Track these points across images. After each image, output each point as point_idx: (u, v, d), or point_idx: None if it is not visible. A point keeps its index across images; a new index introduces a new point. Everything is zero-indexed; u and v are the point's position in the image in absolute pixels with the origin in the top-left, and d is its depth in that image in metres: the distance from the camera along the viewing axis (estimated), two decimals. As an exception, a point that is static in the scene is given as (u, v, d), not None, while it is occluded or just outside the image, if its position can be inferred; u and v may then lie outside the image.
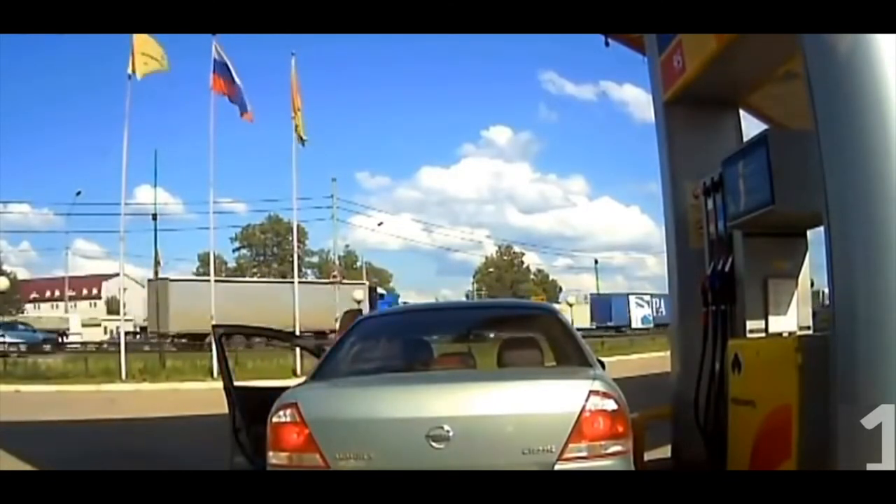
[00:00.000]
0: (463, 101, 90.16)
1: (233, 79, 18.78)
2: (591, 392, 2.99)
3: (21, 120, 71.09)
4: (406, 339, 4.31)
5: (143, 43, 17.37)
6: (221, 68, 18.63)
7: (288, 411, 3.06)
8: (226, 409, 4.20)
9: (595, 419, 2.96)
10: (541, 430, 2.97)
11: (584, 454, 2.93)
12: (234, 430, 4.08)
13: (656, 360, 14.61)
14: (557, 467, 2.91)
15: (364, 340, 4.23)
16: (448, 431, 2.91)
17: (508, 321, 4.81)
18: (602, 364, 3.87)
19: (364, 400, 3.23)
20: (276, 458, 3.06)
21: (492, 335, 4.72)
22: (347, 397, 3.31)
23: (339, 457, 2.98)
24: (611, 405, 2.99)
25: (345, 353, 3.98)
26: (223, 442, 4.21)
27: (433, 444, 2.91)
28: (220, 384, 4.33)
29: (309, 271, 62.79)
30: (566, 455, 2.92)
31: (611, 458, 2.95)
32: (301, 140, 20.86)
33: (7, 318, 25.80)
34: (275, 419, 3.09)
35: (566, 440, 2.92)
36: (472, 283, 67.70)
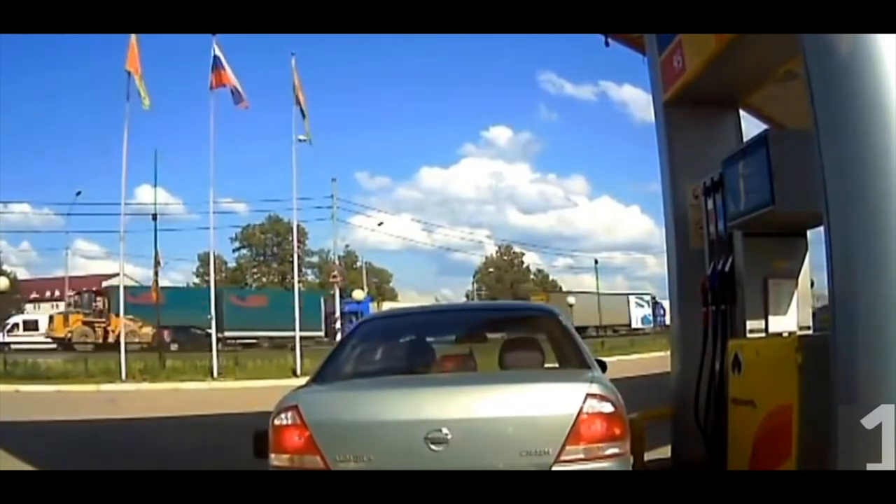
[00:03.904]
0: (463, 101, 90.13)
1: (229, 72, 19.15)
2: (588, 395, 3.03)
3: (21, 119, 70.99)
4: (407, 342, 4.33)
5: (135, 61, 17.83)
6: (221, 64, 18.89)
7: (289, 413, 3.11)
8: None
9: (592, 422, 3.00)
10: (538, 432, 3.01)
11: (581, 456, 2.97)
12: None
13: (656, 360, 14.63)
14: (555, 469, 2.94)
15: (365, 343, 4.25)
16: (446, 434, 2.95)
17: (509, 323, 4.85)
18: (603, 364, 3.91)
19: (364, 403, 3.27)
20: (277, 460, 3.11)
21: (492, 336, 4.76)
22: (347, 400, 3.36)
23: (339, 458, 3.02)
24: (608, 408, 3.03)
25: (346, 356, 4.01)
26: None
27: (432, 446, 2.96)
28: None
29: (309, 271, 62.84)
30: (563, 457, 2.96)
31: (608, 460, 2.99)
32: (307, 138, 21.13)
33: None
34: (276, 421, 3.13)
35: (563, 442, 2.96)
36: (472, 283, 67.68)
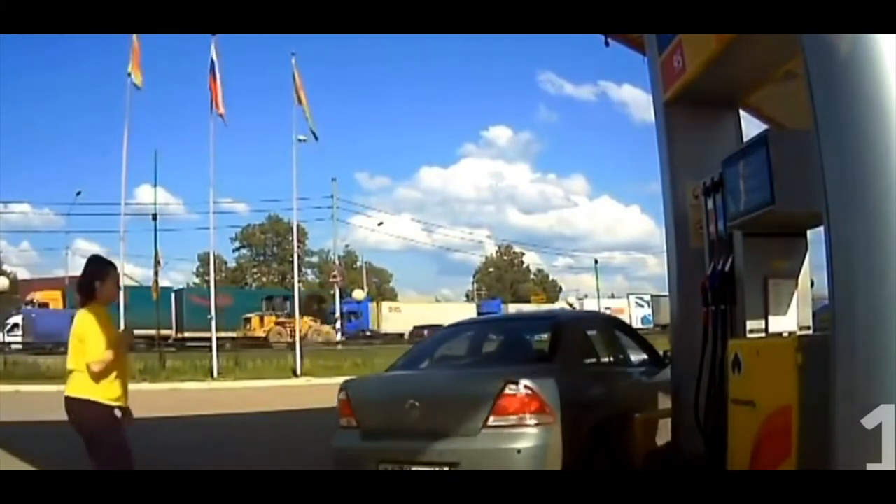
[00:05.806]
0: (463, 101, 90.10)
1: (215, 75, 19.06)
2: (507, 381, 4.30)
3: (21, 119, 70.82)
4: (453, 344, 5.94)
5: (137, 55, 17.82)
6: (215, 69, 18.88)
7: (343, 392, 4.93)
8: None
9: (509, 400, 4.25)
10: (473, 405, 4.36)
11: (501, 423, 4.25)
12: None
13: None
14: (483, 432, 4.26)
15: (430, 344, 6.16)
16: (416, 405, 4.47)
17: (526, 329, 6.31)
18: (666, 356, 5.78)
19: (381, 385, 5.27)
20: (340, 422, 4.90)
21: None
22: (371, 385, 5.37)
23: (365, 421, 4.74)
24: (523, 390, 4.27)
25: (410, 354, 5.80)
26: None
27: (408, 412, 4.44)
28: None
29: (309, 271, 62.85)
30: (489, 423, 4.27)
31: (528, 427, 4.21)
32: (309, 138, 21.23)
33: None
34: (339, 396, 4.94)
35: (489, 413, 4.28)
36: (472, 283, 67.69)
